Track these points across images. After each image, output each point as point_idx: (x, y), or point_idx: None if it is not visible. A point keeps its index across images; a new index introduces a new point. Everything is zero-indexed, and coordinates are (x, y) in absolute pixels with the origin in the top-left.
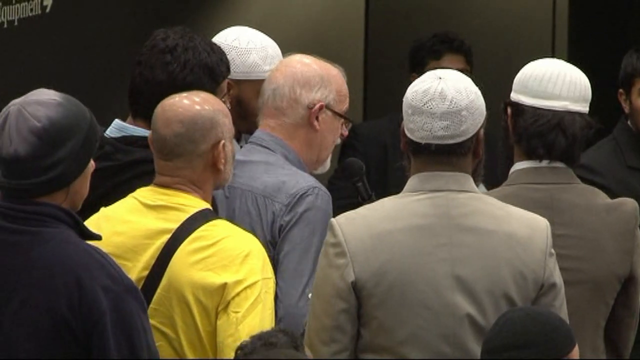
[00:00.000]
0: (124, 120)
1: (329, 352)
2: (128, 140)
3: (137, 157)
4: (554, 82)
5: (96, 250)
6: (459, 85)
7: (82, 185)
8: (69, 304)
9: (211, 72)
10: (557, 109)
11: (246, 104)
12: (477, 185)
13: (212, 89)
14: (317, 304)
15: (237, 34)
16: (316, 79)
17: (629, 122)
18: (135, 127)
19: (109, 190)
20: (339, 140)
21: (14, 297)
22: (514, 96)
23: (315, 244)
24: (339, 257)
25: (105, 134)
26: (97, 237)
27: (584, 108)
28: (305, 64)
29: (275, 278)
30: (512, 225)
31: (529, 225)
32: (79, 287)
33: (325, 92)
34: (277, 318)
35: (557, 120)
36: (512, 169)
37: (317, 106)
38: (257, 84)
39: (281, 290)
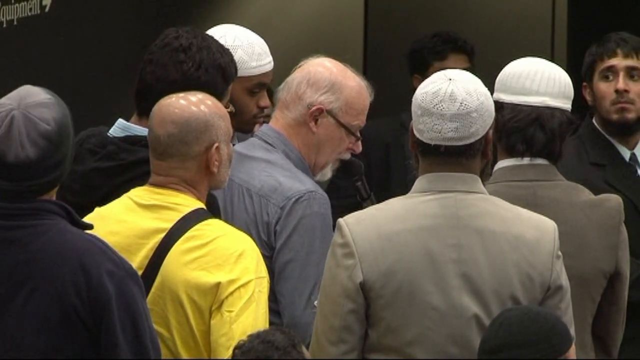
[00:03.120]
0: (127, 119)
1: (337, 352)
2: (132, 140)
3: (141, 157)
4: (532, 79)
5: (94, 237)
6: (469, 87)
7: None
8: (76, 291)
9: (223, 72)
10: (535, 104)
11: (234, 102)
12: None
13: (223, 90)
14: (325, 304)
15: (224, 32)
16: (326, 82)
17: (593, 120)
18: (139, 127)
19: (112, 189)
20: (347, 155)
21: (20, 292)
22: (495, 95)
23: (317, 250)
24: (347, 257)
25: (108, 134)
26: (89, 227)
27: (565, 105)
28: (325, 67)
29: (278, 287)
30: (520, 227)
31: (537, 227)
32: (85, 273)
33: (331, 98)
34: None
35: (536, 115)
36: (495, 167)
37: (315, 108)
38: (244, 81)
39: (285, 298)
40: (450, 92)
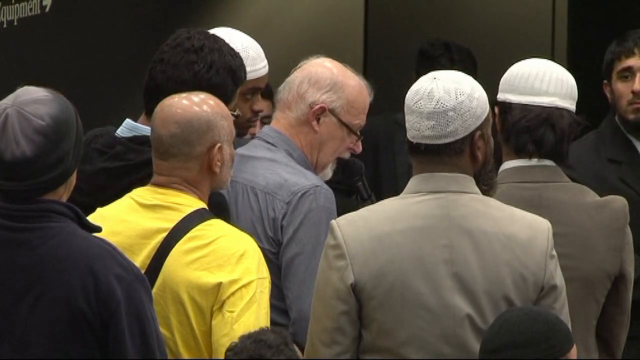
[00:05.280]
0: (126, 119)
1: (330, 353)
2: (140, 140)
3: (149, 157)
4: (541, 79)
5: (103, 240)
6: (449, 86)
7: (75, 176)
8: (85, 295)
9: (234, 75)
10: (545, 104)
11: None
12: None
13: (233, 93)
14: (318, 306)
15: (219, 35)
16: (327, 81)
17: (616, 118)
18: (147, 127)
19: (120, 190)
20: (347, 155)
21: (28, 294)
22: (501, 96)
23: (322, 243)
24: (338, 259)
25: (116, 134)
26: (98, 229)
27: (572, 106)
28: (325, 67)
29: (285, 281)
30: (513, 227)
31: (530, 227)
32: (94, 277)
33: (333, 97)
34: (290, 321)
35: (546, 115)
36: (501, 168)
37: (318, 107)
38: None
39: (292, 293)
40: (429, 91)
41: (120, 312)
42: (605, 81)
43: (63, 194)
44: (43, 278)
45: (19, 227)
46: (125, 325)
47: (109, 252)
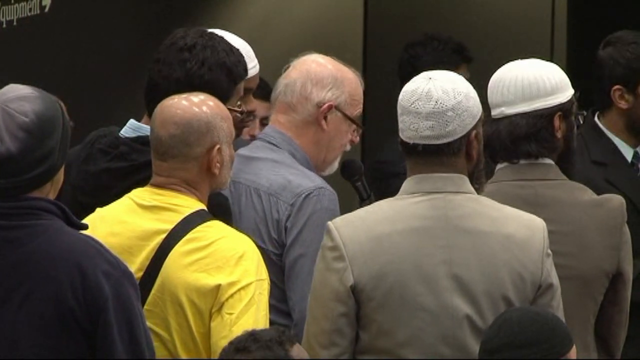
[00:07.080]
0: (126, 119)
1: (328, 355)
2: (143, 140)
3: None
4: (491, 91)
5: (90, 238)
6: (446, 86)
7: (62, 173)
8: (73, 291)
9: (229, 72)
10: (495, 116)
11: None
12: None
13: (230, 90)
14: (316, 308)
15: None
16: (329, 79)
17: (596, 118)
18: None
19: (124, 190)
20: (348, 147)
21: (17, 292)
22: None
23: None
24: (337, 260)
25: (120, 134)
26: (84, 227)
27: (528, 107)
28: (320, 63)
29: (289, 282)
30: (510, 227)
31: (526, 226)
32: (81, 274)
33: (337, 93)
34: (293, 322)
35: (510, 127)
36: (497, 166)
37: (326, 106)
38: None
39: (296, 294)
40: (427, 91)
41: (108, 308)
42: (618, 86)
43: (50, 191)
44: (31, 275)
45: (5, 225)
46: (114, 321)
47: (96, 249)
